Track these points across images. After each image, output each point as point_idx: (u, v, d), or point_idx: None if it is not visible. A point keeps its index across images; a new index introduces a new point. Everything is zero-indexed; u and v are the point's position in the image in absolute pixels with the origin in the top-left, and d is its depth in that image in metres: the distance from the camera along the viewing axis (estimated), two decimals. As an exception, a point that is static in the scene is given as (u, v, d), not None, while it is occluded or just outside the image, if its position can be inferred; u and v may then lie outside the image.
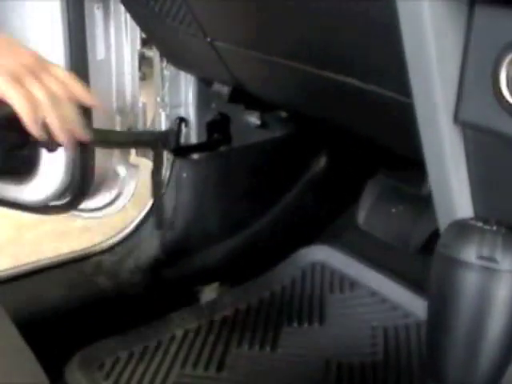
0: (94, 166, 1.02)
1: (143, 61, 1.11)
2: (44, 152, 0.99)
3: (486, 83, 0.46)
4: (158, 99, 1.10)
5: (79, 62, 0.96)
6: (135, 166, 1.11)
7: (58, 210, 1.05)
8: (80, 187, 1.03)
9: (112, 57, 1.04)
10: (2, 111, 0.72)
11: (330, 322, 1.04)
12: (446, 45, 0.47)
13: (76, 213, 1.10)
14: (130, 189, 1.12)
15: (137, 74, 1.08)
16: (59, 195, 1.03)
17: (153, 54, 1.09)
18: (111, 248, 1.05)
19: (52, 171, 1.00)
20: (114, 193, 1.12)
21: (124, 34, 1.04)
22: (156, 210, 1.07)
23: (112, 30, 1.03)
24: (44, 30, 0.95)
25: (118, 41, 1.04)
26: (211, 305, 1.09)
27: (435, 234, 0.55)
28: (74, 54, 0.95)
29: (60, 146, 0.81)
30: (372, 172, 1.26)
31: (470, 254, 0.48)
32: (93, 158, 1.02)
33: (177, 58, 1.07)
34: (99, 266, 1.09)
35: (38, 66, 0.79)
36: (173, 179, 1.11)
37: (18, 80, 0.78)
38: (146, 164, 1.10)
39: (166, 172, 1.11)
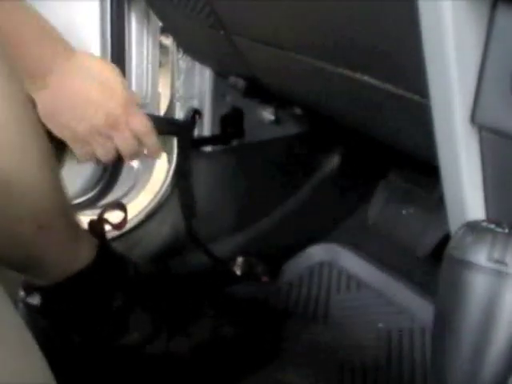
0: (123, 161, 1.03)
1: (160, 50, 1.11)
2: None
3: (505, 85, 0.46)
4: (173, 90, 1.10)
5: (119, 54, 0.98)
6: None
7: (80, 207, 1.06)
8: (107, 183, 1.03)
9: (132, 45, 1.04)
10: None
11: (334, 322, 1.04)
12: (466, 45, 0.47)
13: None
14: (144, 181, 1.12)
15: (157, 63, 1.08)
16: (84, 192, 1.04)
17: (169, 43, 1.09)
18: (120, 236, 1.05)
19: (79, 169, 1.01)
20: (127, 185, 1.12)
21: (145, 23, 1.05)
22: (183, 201, 1.07)
23: (133, 19, 1.03)
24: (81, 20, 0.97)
25: (139, 29, 1.04)
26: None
27: (445, 239, 0.54)
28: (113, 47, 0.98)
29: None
30: (384, 173, 1.26)
31: (481, 256, 0.47)
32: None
33: (193, 49, 1.06)
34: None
35: (111, 125, 0.82)
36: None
37: (82, 141, 0.82)
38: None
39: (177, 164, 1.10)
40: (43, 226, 0.68)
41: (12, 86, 0.61)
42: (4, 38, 0.69)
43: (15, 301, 0.79)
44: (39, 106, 0.81)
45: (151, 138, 0.88)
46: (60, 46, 0.77)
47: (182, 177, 1.05)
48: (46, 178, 0.67)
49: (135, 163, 1.12)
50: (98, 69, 0.81)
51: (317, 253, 1.19)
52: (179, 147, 1.04)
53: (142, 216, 1.10)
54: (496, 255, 0.47)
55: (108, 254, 0.82)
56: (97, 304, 0.80)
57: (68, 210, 0.75)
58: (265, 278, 1.13)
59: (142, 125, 0.85)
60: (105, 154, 0.85)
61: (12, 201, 0.63)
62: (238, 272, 1.12)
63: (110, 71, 0.82)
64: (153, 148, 0.89)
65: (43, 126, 0.69)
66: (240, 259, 1.12)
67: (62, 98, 0.79)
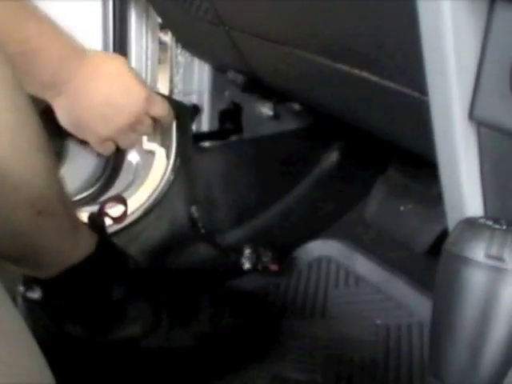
0: (123, 157, 1.03)
1: (159, 46, 1.11)
2: (72, 144, 1.00)
3: (503, 82, 0.46)
4: (172, 85, 1.10)
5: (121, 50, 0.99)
6: (149, 152, 1.11)
7: (80, 203, 1.05)
8: (107, 180, 1.03)
9: (132, 41, 1.04)
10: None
11: (332, 317, 1.04)
12: (465, 42, 0.47)
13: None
14: (143, 176, 1.12)
15: (156, 58, 1.08)
16: (84, 189, 1.04)
17: (168, 39, 1.09)
18: (118, 232, 1.05)
19: (80, 166, 1.01)
20: (126, 181, 1.12)
21: (145, 19, 1.05)
22: (187, 188, 1.07)
23: (132, 15, 1.03)
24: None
25: (138, 25, 1.04)
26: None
27: (443, 235, 0.55)
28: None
29: None
30: (383, 169, 1.26)
31: (478, 252, 0.47)
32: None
33: (192, 44, 1.06)
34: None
35: (134, 122, 0.84)
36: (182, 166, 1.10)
37: (106, 140, 0.84)
38: (158, 150, 1.09)
39: (175, 159, 1.10)
40: (42, 211, 0.68)
41: (4, 71, 0.61)
42: (13, 45, 0.69)
43: (14, 296, 0.79)
44: (58, 114, 0.81)
45: (170, 116, 0.92)
46: (70, 48, 0.78)
47: (183, 162, 1.05)
48: (43, 163, 0.67)
49: (134, 158, 1.12)
50: (113, 68, 0.82)
51: (315, 248, 1.20)
52: (179, 130, 1.03)
53: (140, 211, 1.10)
54: (493, 251, 0.47)
55: (108, 246, 0.83)
56: (97, 296, 0.80)
57: (66, 198, 0.74)
58: (274, 267, 1.13)
59: (162, 110, 0.88)
60: (128, 145, 0.87)
61: (8, 185, 0.63)
62: (248, 264, 1.12)
63: (124, 68, 0.83)
64: (169, 121, 0.93)
65: (43, 115, 0.69)
66: (247, 250, 1.12)
67: (84, 105, 0.80)
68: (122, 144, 0.86)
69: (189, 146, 1.05)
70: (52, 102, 0.80)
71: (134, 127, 0.84)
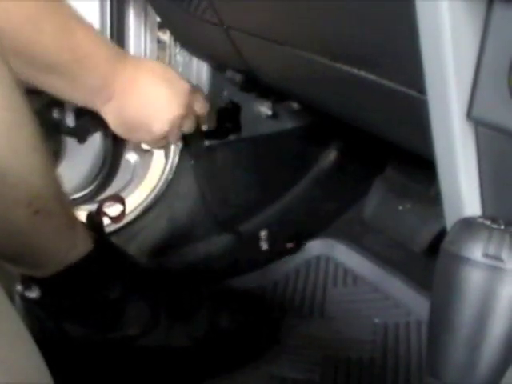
0: (121, 155, 1.03)
1: (157, 44, 1.11)
2: (69, 142, 0.99)
3: (501, 81, 0.46)
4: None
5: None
6: (147, 152, 1.11)
7: (77, 202, 1.05)
8: (105, 178, 1.03)
9: (130, 40, 1.04)
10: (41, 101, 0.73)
11: (330, 316, 1.04)
12: (463, 41, 0.47)
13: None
14: (141, 175, 1.12)
15: (155, 58, 1.08)
16: (82, 188, 1.04)
17: (167, 38, 1.09)
18: (116, 231, 1.05)
19: (77, 164, 1.01)
20: (125, 180, 1.12)
21: (143, 18, 1.04)
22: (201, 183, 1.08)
23: (131, 14, 1.03)
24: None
25: (137, 24, 1.04)
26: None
27: (441, 234, 0.55)
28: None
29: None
30: (381, 168, 1.26)
31: (476, 251, 0.47)
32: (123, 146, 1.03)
33: (190, 43, 1.06)
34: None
35: (185, 115, 0.85)
36: (180, 166, 1.10)
37: (161, 137, 0.85)
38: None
39: (174, 158, 1.10)
40: (40, 211, 0.68)
41: (1, 71, 0.61)
42: (67, 53, 0.70)
43: (11, 295, 0.79)
44: (110, 121, 0.82)
45: (211, 115, 0.95)
46: (114, 50, 0.79)
47: (195, 158, 1.06)
48: (40, 163, 0.67)
49: (132, 157, 1.12)
50: (152, 64, 0.84)
51: (314, 247, 1.20)
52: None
53: (138, 210, 1.10)
54: (491, 251, 0.47)
55: (106, 245, 0.82)
56: (95, 295, 0.80)
57: (63, 197, 0.74)
58: (290, 245, 1.15)
59: (204, 107, 0.90)
60: (176, 139, 0.89)
61: (5, 185, 0.63)
62: (265, 245, 1.13)
63: (161, 64, 0.85)
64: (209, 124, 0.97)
65: (39, 115, 0.69)
66: (263, 233, 1.14)
67: (134, 103, 0.80)
68: (172, 141, 0.89)
69: (200, 142, 1.05)
70: (102, 110, 0.81)
71: (182, 121, 0.85)
